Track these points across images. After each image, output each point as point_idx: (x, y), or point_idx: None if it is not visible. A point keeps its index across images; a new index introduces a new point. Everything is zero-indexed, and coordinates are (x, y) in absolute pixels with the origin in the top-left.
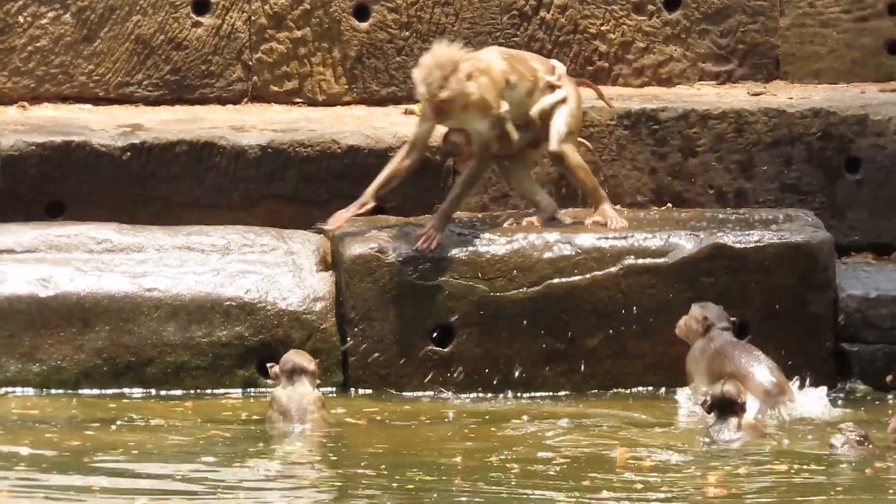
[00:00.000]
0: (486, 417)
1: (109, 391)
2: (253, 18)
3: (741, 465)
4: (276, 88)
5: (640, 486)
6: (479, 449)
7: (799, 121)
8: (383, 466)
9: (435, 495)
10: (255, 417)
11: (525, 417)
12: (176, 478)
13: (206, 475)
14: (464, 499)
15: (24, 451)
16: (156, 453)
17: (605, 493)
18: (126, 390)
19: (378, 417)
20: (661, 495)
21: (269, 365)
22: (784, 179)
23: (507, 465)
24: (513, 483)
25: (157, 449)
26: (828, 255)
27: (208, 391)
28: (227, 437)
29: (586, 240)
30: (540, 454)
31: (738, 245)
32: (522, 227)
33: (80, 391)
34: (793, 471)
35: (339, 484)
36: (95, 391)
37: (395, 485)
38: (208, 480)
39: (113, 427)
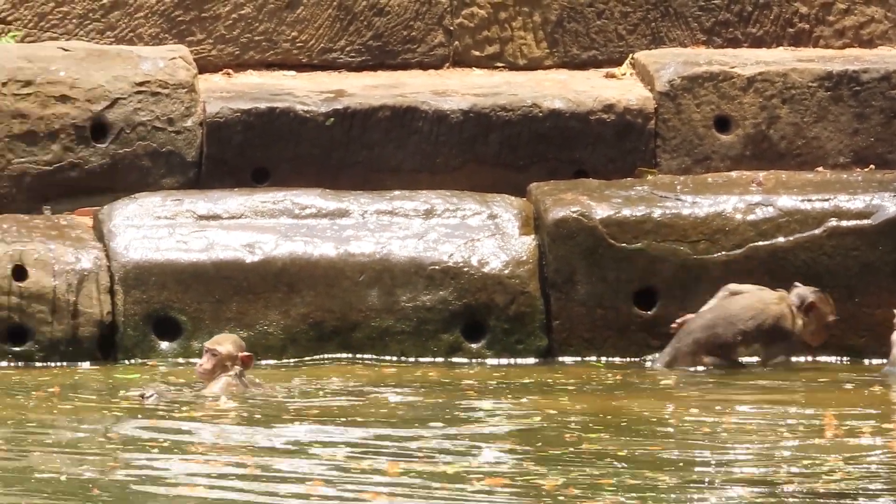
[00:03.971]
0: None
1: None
2: None
3: None
4: (477, 53)
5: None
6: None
7: None
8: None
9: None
10: (468, 382)
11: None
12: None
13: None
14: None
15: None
16: (382, 418)
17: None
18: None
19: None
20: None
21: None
22: None
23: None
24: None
25: (382, 414)
26: None
27: (413, 355)
28: (440, 401)
29: (789, 202)
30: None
31: None
32: (724, 187)
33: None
34: None
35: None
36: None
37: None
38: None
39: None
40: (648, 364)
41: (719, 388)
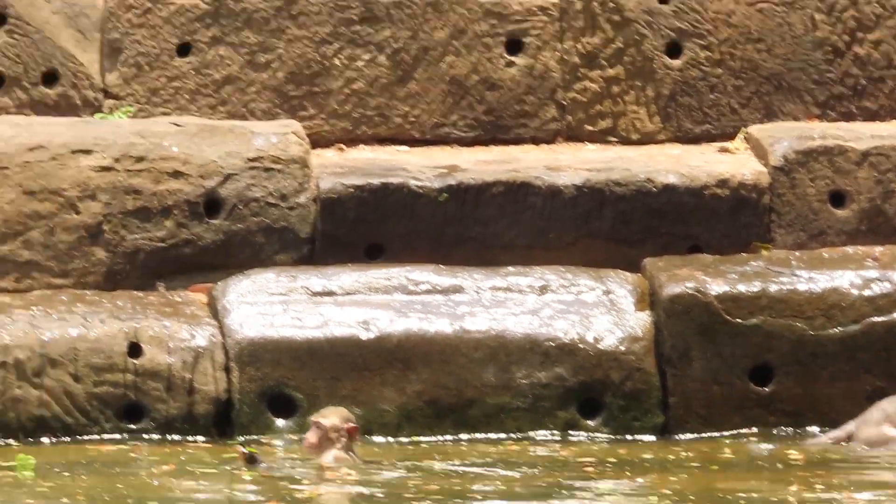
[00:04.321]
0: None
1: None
2: (566, 58)
3: None
4: (589, 127)
5: None
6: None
7: None
8: None
9: None
10: (585, 460)
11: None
12: None
13: None
14: None
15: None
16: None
17: None
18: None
19: None
20: None
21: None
22: None
23: None
24: None
25: (501, 492)
26: None
27: (529, 433)
28: (559, 479)
29: None
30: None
31: None
32: (840, 262)
33: (402, 435)
34: None
35: None
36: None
37: None
38: None
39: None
40: (818, 439)
41: (847, 468)
